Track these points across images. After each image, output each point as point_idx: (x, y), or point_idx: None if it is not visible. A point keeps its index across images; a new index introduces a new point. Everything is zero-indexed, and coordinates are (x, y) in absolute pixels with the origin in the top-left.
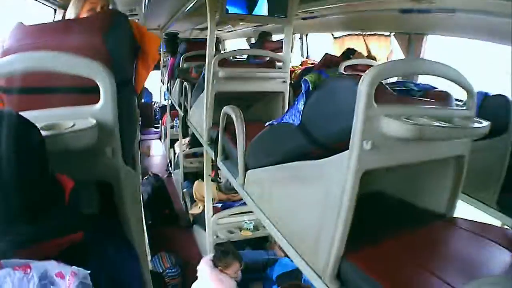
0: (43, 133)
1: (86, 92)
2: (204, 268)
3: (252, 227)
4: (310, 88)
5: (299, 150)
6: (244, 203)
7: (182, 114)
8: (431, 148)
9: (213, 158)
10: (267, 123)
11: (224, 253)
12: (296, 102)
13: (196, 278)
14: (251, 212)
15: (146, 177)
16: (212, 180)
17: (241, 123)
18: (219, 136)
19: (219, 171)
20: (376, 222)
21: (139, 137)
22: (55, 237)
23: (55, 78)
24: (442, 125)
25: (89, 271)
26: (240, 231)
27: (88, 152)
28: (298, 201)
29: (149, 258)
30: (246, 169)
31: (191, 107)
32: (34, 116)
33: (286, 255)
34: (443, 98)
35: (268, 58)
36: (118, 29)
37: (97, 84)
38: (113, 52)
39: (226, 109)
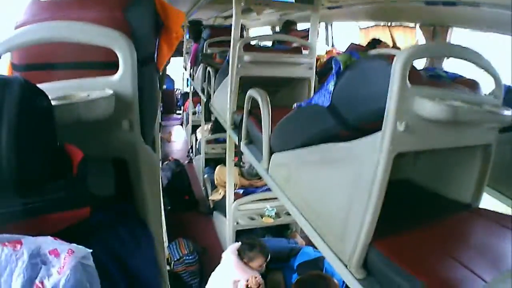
0: (54, 102)
1: (106, 67)
2: (230, 256)
3: (274, 214)
4: (341, 69)
5: (328, 132)
6: (267, 189)
7: (205, 100)
8: (461, 134)
9: (237, 143)
10: (295, 105)
11: (251, 246)
12: (325, 84)
13: (213, 265)
14: (273, 198)
15: (166, 163)
16: (235, 165)
17: (267, 105)
18: (243, 120)
19: (242, 156)
20: (402, 211)
21: (161, 122)
22: (56, 210)
23: (73, 53)
24: (475, 108)
25: (91, 250)
26: (262, 218)
27: (104, 125)
28: (325, 184)
29: (166, 244)
30: (271, 152)
31: (214, 92)
32: (47, 87)
33: (309, 244)
34: (472, 86)
35: (293, 45)
36: (139, 3)
37: (117, 59)
38: (134, 27)
39: (251, 91)
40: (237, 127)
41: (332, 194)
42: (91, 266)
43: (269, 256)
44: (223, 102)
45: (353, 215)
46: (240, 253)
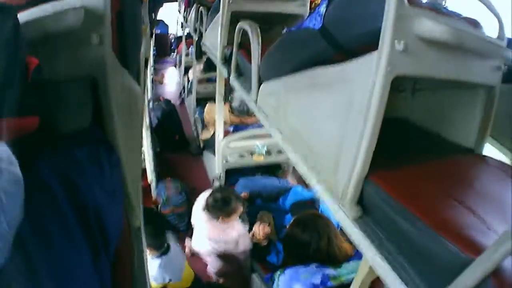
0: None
1: None
2: (203, 225)
3: (264, 152)
4: None
5: (320, 57)
6: (258, 127)
7: (197, 38)
8: (464, 67)
9: (226, 76)
10: (284, 30)
11: (226, 202)
12: (317, 8)
13: None
14: (264, 136)
15: (156, 103)
16: (224, 101)
17: (257, 36)
18: (233, 53)
19: (231, 92)
20: (399, 148)
21: (154, 65)
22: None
23: None
24: (480, 36)
25: (6, 150)
26: (252, 155)
27: (73, 40)
28: (317, 112)
29: (154, 185)
30: (260, 83)
31: (206, 30)
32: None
33: (300, 182)
34: (473, 24)
35: None
36: None
37: None
38: None
39: (242, 23)
40: (227, 61)
41: (323, 123)
42: (12, 173)
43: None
44: (215, 38)
45: (347, 144)
46: (214, 214)
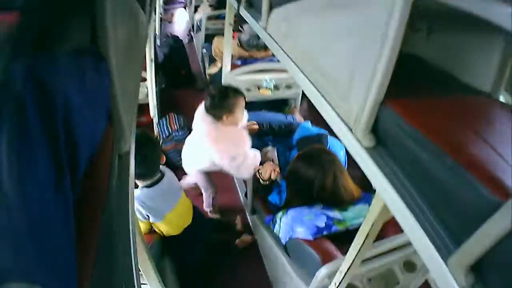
0: None
1: None
2: (206, 129)
3: (272, 86)
4: None
5: None
6: (267, 61)
7: None
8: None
9: (236, 8)
10: None
11: (223, 95)
12: None
13: None
14: (273, 70)
15: (164, 39)
16: (233, 30)
17: None
18: None
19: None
20: (415, 83)
21: (164, 6)
22: None
23: None
24: None
25: None
26: (259, 90)
27: None
28: (330, 33)
29: (156, 121)
30: (271, 10)
31: None
32: None
33: (307, 119)
34: None
35: None
36: None
37: None
38: None
39: None
40: None
41: (337, 44)
42: None
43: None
44: None
45: (362, 65)
46: (216, 115)
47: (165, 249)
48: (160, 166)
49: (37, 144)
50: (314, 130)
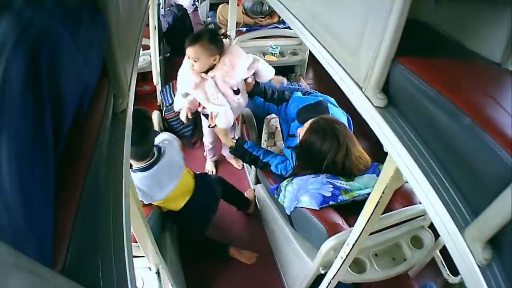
0: None
1: None
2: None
3: (277, 52)
4: None
5: None
6: (274, 28)
7: None
8: None
9: None
10: None
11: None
12: None
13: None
14: (278, 36)
15: (168, 8)
16: None
17: None
18: None
19: None
20: (425, 45)
21: None
22: None
23: None
24: None
25: None
26: (264, 56)
27: None
28: None
29: (159, 89)
30: None
31: None
32: None
33: (314, 87)
34: None
35: None
36: None
37: None
38: None
39: None
40: None
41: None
42: None
43: None
44: None
45: (373, 20)
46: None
47: (166, 219)
48: (164, 138)
49: (16, 86)
50: (309, 99)
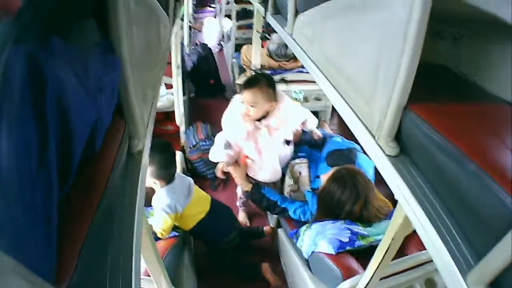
0: None
1: None
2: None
3: (301, 97)
4: None
5: None
6: (298, 72)
7: None
8: None
9: (263, 15)
10: None
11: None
12: None
13: None
14: (303, 81)
15: (193, 47)
16: (261, 38)
17: None
18: None
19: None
20: (439, 90)
21: (193, 14)
22: None
23: None
24: None
25: None
26: None
27: None
28: (353, 36)
29: (183, 130)
30: (296, 14)
31: None
32: None
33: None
34: None
35: None
36: None
37: None
38: None
39: None
40: (264, 1)
41: (359, 46)
42: None
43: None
44: None
45: (384, 67)
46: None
47: (186, 243)
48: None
49: (21, 116)
50: (345, 144)
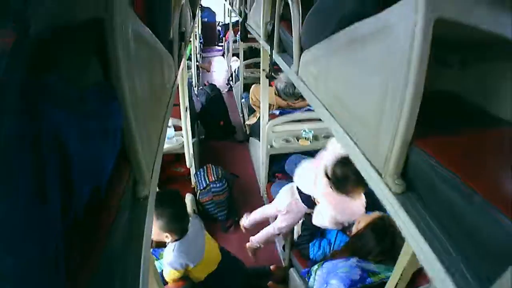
0: None
1: None
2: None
3: (311, 136)
4: None
5: (360, 12)
6: (306, 111)
7: (241, 19)
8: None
9: (269, 53)
10: None
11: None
12: None
13: (244, 195)
14: (312, 120)
15: (201, 88)
16: (267, 77)
17: (297, 4)
18: (274, 26)
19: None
20: (446, 120)
21: (201, 53)
22: None
23: None
24: None
25: None
26: (298, 140)
27: None
28: (356, 71)
29: (193, 171)
30: (301, 52)
31: (250, 10)
32: None
33: None
34: None
35: None
36: None
37: None
38: None
39: None
40: (270, 37)
41: (363, 81)
42: None
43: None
44: (258, 16)
45: (388, 101)
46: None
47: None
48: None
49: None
50: None
